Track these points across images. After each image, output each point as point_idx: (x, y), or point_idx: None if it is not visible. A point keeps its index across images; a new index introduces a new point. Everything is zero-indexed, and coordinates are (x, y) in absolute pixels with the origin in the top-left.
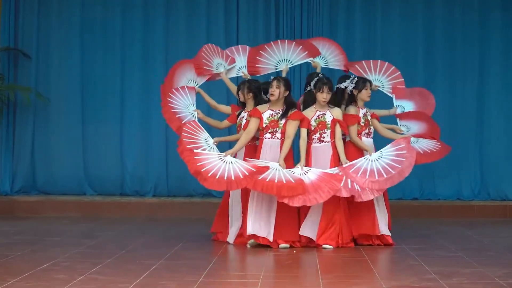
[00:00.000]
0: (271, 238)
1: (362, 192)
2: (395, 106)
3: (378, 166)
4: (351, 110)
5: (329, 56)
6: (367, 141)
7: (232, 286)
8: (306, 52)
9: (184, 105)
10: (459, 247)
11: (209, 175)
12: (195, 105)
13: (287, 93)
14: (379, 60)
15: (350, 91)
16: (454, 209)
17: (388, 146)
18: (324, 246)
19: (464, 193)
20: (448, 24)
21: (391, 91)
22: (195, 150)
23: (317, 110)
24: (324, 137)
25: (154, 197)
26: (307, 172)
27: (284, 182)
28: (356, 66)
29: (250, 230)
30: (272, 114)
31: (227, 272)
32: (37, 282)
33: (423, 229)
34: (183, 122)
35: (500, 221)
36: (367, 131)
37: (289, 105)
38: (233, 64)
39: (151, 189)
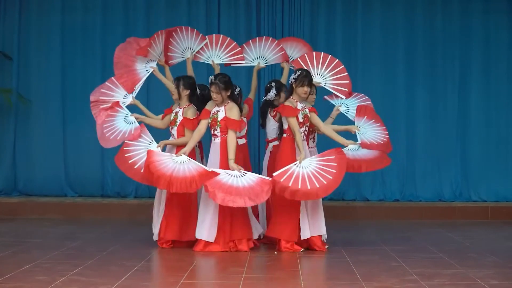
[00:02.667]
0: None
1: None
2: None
3: (309, 174)
4: (288, 102)
5: (267, 54)
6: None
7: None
8: (283, 52)
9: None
10: (440, 248)
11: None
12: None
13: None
14: (322, 53)
15: (290, 82)
16: (435, 210)
17: (319, 156)
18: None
19: (445, 194)
20: (429, 25)
21: (339, 93)
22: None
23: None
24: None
25: (135, 199)
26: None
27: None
28: (298, 59)
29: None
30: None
31: (208, 274)
32: (19, 284)
33: (405, 230)
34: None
35: (481, 223)
36: (304, 129)
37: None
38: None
39: (132, 190)
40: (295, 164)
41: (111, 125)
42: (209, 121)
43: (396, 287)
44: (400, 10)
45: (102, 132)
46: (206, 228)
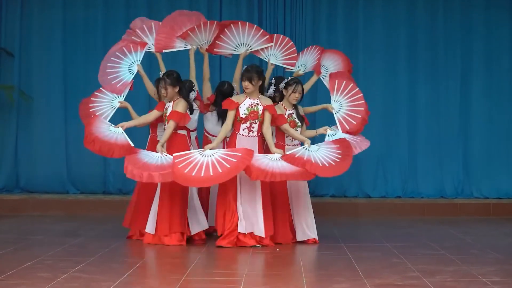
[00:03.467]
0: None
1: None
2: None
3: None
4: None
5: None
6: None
7: (216, 285)
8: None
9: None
10: (442, 245)
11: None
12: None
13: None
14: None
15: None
16: (437, 207)
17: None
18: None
19: (447, 191)
20: (431, 21)
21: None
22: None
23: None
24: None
25: None
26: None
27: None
28: (216, 49)
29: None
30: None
31: (210, 271)
32: (21, 281)
33: (406, 227)
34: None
35: (483, 219)
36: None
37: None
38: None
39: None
40: (198, 152)
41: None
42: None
43: (397, 284)
44: (402, 6)
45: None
46: (150, 221)
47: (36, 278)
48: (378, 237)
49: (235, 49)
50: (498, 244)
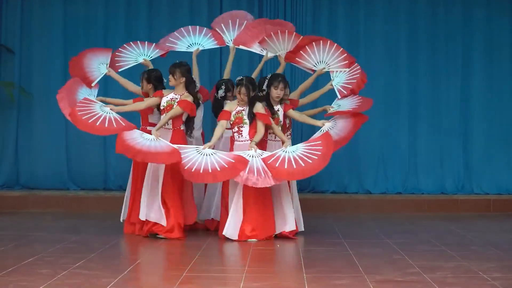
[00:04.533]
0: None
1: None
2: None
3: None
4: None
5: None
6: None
7: (216, 281)
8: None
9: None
10: (443, 241)
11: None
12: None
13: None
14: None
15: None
16: (438, 203)
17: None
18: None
19: (448, 187)
20: (431, 17)
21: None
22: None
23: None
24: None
25: None
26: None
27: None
28: (298, 59)
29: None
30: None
31: (211, 267)
32: (21, 277)
33: (407, 223)
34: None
35: (483, 215)
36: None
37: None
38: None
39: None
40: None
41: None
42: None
43: (398, 280)
44: (403, 4)
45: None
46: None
47: (36, 274)
48: (378, 233)
49: (314, 65)
50: (499, 240)
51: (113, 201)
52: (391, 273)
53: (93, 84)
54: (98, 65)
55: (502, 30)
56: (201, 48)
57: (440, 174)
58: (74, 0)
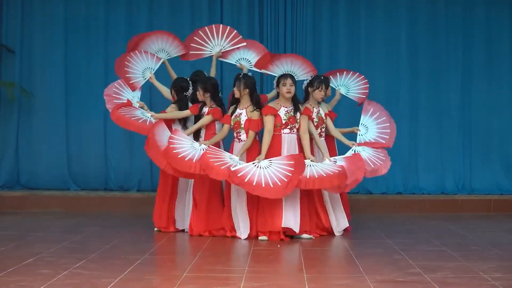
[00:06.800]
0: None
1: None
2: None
3: (271, 174)
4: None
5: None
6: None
7: (216, 281)
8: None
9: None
10: (443, 241)
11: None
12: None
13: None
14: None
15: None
16: (438, 203)
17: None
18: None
19: (448, 187)
20: (432, 16)
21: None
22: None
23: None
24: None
25: (138, 192)
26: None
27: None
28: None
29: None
30: (287, 110)
31: (211, 267)
32: (21, 277)
33: (407, 223)
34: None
35: (484, 216)
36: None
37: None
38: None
39: (135, 184)
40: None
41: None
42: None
43: (399, 280)
44: (404, 4)
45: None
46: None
47: (37, 274)
48: (379, 234)
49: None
50: (499, 241)
51: (114, 202)
52: (392, 273)
53: (136, 88)
54: (143, 70)
55: (503, 30)
56: (223, 50)
57: (441, 174)
58: (74, 0)
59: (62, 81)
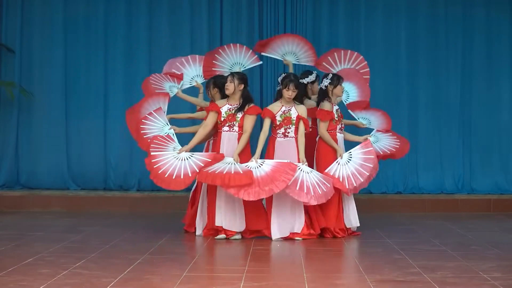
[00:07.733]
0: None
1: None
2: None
3: (349, 172)
4: (326, 106)
5: (299, 52)
6: (340, 137)
7: (216, 280)
8: (255, 56)
9: (158, 128)
10: (443, 241)
11: (166, 176)
12: (168, 123)
13: (241, 87)
14: (342, 50)
15: (325, 86)
16: (438, 203)
17: (357, 147)
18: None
19: (448, 187)
20: (432, 16)
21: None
22: (152, 153)
23: (282, 106)
24: (288, 133)
25: (138, 192)
26: (261, 165)
27: (232, 173)
28: (324, 63)
29: (219, 223)
30: (230, 108)
31: (211, 266)
32: (21, 277)
33: (407, 223)
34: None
35: (483, 215)
36: (340, 126)
37: (245, 99)
38: (182, 80)
39: (135, 183)
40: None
41: (147, 128)
42: (280, 120)
43: (399, 280)
44: (403, 3)
45: (138, 129)
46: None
47: (37, 274)
48: (378, 233)
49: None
50: (499, 240)
51: (113, 201)
52: (392, 272)
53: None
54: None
55: (502, 29)
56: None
57: (440, 173)
58: (74, 0)
59: (61, 81)
